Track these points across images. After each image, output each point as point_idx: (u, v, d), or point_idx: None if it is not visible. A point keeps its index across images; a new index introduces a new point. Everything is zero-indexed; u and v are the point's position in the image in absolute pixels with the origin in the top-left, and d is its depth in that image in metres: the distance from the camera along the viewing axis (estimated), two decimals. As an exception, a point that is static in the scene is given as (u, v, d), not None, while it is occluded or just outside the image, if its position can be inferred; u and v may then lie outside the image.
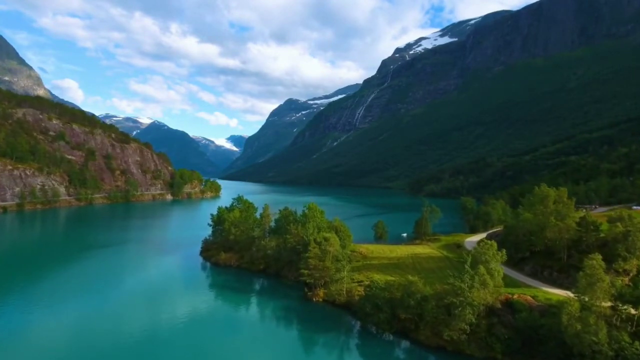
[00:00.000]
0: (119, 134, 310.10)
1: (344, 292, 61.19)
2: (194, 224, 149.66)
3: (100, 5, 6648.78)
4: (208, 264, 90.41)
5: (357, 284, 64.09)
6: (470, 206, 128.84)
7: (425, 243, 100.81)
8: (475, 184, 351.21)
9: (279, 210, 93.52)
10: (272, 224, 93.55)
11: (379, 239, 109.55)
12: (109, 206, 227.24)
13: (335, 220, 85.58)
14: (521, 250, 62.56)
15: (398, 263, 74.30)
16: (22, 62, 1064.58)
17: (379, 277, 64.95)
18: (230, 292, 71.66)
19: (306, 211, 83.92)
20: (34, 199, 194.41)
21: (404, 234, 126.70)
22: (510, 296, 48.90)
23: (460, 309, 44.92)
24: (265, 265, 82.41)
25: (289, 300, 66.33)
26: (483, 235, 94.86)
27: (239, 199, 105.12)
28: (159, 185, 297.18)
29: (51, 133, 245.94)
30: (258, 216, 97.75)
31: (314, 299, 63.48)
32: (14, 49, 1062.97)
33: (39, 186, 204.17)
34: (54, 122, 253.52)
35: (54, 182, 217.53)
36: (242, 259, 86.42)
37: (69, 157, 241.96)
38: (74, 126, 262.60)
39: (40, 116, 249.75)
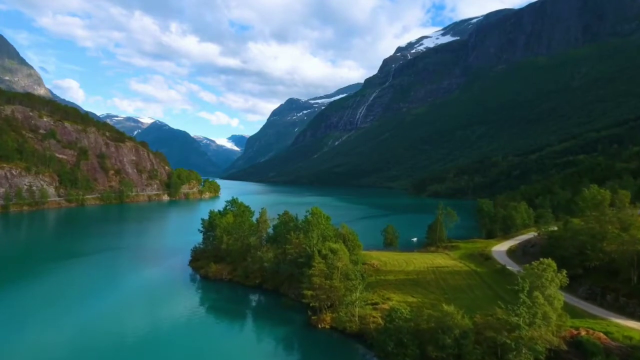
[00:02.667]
0: (113, 132, 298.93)
1: (356, 319, 49.79)
2: (187, 228, 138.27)
3: (100, 5, 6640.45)
4: (197, 276, 79.26)
5: (371, 306, 52.94)
6: (487, 209, 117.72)
7: (442, 251, 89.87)
8: (481, 183, 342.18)
9: (278, 214, 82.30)
10: (270, 230, 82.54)
11: (389, 245, 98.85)
12: (102, 207, 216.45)
13: (343, 227, 73.95)
14: (572, 266, 50.99)
15: (417, 279, 63.08)
16: (22, 61, 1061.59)
17: (398, 298, 54.09)
18: (219, 314, 60.43)
19: (309, 217, 72.00)
20: (20, 200, 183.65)
21: (414, 239, 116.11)
22: (575, 332, 37.71)
23: (515, 352, 34.04)
24: (262, 280, 70.85)
25: (289, 325, 55.03)
26: (510, 243, 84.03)
27: (233, 202, 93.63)
28: (155, 186, 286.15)
29: (41, 131, 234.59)
30: (255, 221, 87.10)
31: (320, 325, 52.00)
32: (14, 49, 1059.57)
33: (25, 187, 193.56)
34: (45, 119, 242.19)
35: (42, 182, 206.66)
36: (235, 272, 74.79)
37: (60, 156, 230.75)
38: (66, 124, 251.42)
39: (30, 113, 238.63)
